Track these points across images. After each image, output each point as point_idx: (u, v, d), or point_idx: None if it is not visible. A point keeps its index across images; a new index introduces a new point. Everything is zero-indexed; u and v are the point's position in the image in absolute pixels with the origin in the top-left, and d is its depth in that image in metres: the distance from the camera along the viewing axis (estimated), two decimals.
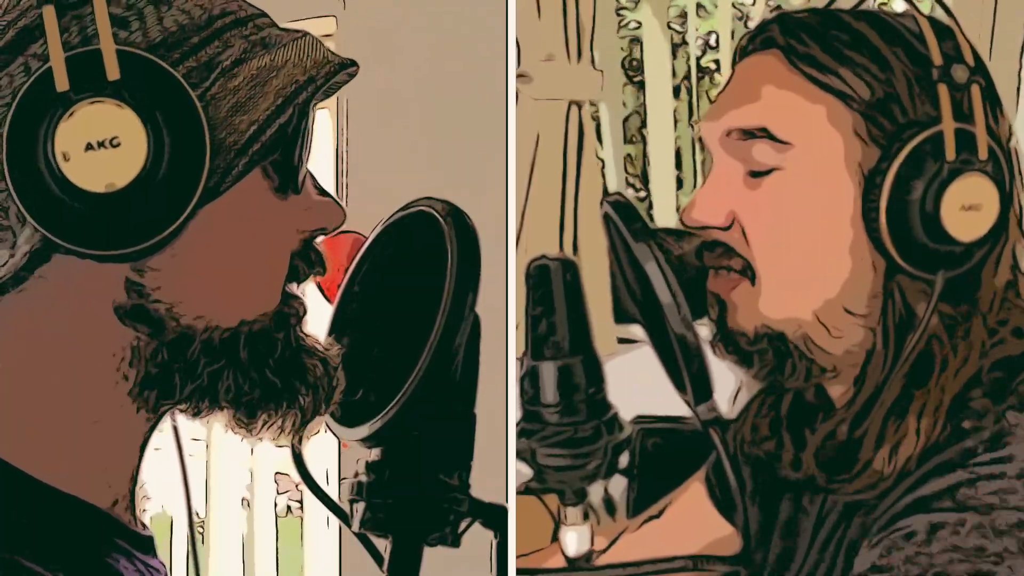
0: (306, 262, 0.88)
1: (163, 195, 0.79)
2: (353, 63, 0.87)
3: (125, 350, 0.83)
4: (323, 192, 0.90)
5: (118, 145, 0.77)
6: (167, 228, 0.80)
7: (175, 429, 0.93)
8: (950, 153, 1.01)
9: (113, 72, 0.78)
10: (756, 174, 1.07)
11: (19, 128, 0.78)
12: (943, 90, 1.02)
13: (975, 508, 0.97)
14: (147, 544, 0.89)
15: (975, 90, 1.03)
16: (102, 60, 0.78)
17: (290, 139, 0.86)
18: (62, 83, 0.77)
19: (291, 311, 0.87)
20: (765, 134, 1.06)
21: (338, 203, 0.90)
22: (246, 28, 0.85)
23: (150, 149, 0.78)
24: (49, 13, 0.78)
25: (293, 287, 0.88)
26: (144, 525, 0.90)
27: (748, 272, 1.07)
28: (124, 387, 0.84)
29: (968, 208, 1.02)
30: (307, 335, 0.88)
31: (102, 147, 0.77)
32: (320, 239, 0.90)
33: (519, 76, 2.78)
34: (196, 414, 0.86)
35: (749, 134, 1.07)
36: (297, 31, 0.87)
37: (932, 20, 1.06)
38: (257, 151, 0.82)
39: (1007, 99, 1.11)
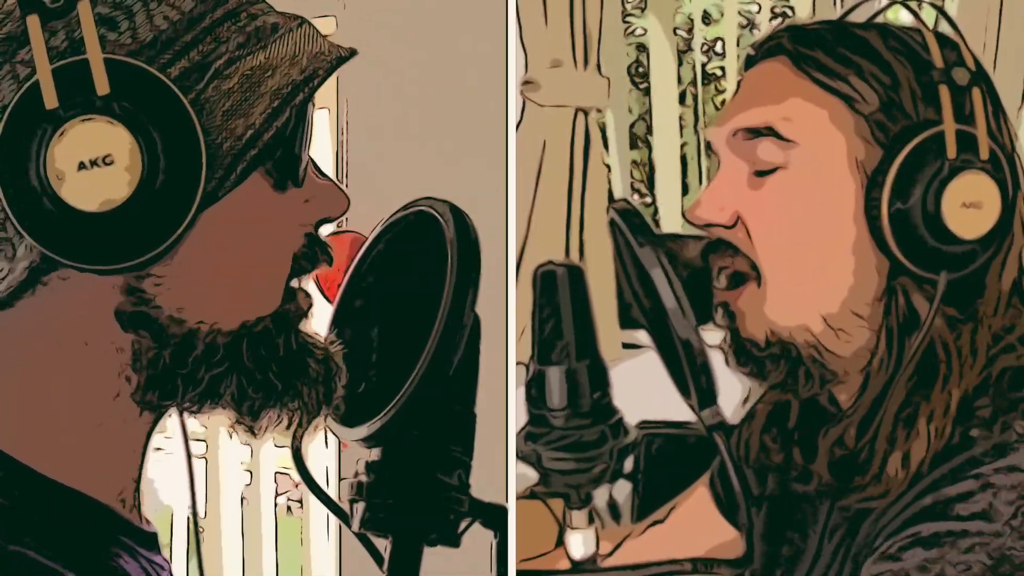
0: (311, 255, 0.87)
1: (160, 207, 0.77)
2: (353, 52, 0.86)
3: (127, 354, 0.83)
4: (326, 179, 0.89)
5: (111, 163, 0.76)
6: (166, 240, 0.78)
7: (183, 430, 0.93)
8: (951, 151, 1.02)
9: (103, 87, 0.76)
10: (761, 174, 1.08)
11: (10, 146, 0.76)
12: (944, 91, 1.03)
13: (983, 516, 0.97)
14: (151, 540, 0.89)
15: (976, 93, 1.04)
16: (91, 71, 0.76)
17: (289, 136, 0.84)
18: (51, 100, 0.75)
19: (294, 309, 0.86)
20: (770, 132, 1.07)
21: (341, 189, 0.89)
22: (239, 19, 0.83)
23: (144, 164, 0.76)
24: (34, 25, 0.76)
25: (297, 282, 0.87)
26: (148, 521, 0.90)
27: (753, 272, 1.08)
28: (127, 390, 0.83)
29: (969, 206, 1.02)
30: (308, 333, 0.87)
31: (95, 166, 0.76)
32: (325, 230, 0.89)
33: (526, 83, 2.79)
34: (198, 411, 0.85)
35: (755, 132, 1.08)
36: (294, 18, 0.85)
37: (936, 32, 1.08)
38: (255, 154, 0.81)
39: (1010, 107, 1.12)
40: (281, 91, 0.82)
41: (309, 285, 0.89)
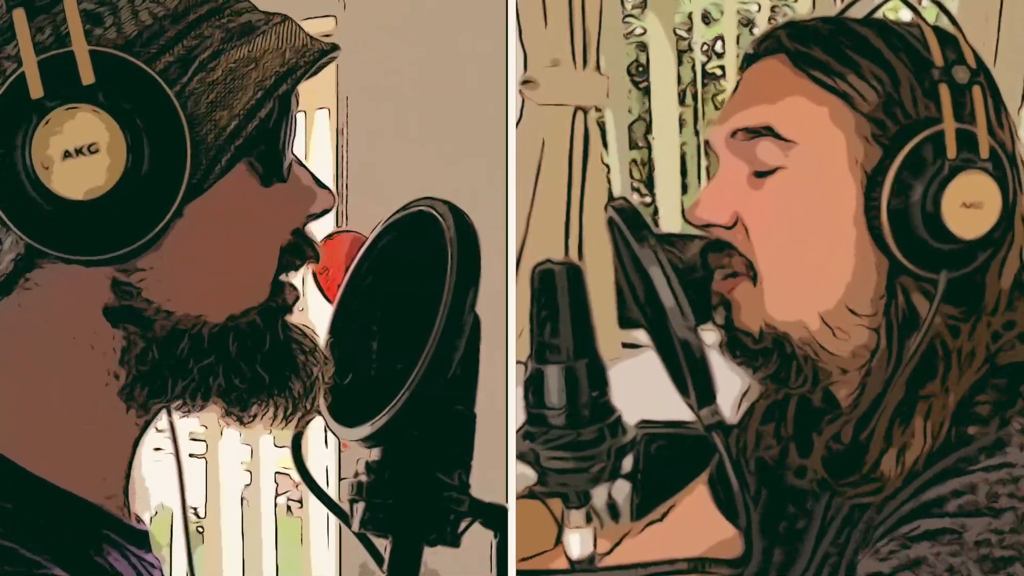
0: (298, 252, 0.88)
1: (146, 197, 0.78)
2: (335, 47, 0.86)
3: (114, 349, 0.83)
4: (312, 177, 0.89)
5: (96, 151, 0.76)
6: (152, 230, 0.79)
7: (172, 429, 0.93)
8: (951, 151, 1.02)
9: (88, 77, 0.77)
10: (760, 174, 1.07)
11: None
12: (944, 89, 1.03)
13: (981, 512, 0.97)
14: (141, 538, 0.89)
15: (976, 91, 1.03)
16: (76, 63, 0.77)
17: (273, 129, 0.85)
18: (36, 90, 0.76)
19: (280, 302, 0.87)
20: (769, 132, 1.07)
21: (327, 187, 0.89)
22: (223, 16, 0.83)
23: (129, 153, 0.77)
24: (20, 18, 0.77)
25: (286, 276, 0.88)
26: (139, 519, 0.90)
27: (751, 272, 1.08)
28: (114, 386, 0.84)
29: (969, 206, 1.02)
30: (294, 325, 0.87)
31: (80, 154, 0.76)
32: (320, 230, 0.89)
33: (525, 82, 2.78)
34: (188, 411, 0.86)
35: (754, 132, 1.08)
36: (276, 15, 0.86)
37: (936, 28, 1.07)
38: (239, 145, 0.82)
39: (1011, 105, 1.12)
40: (264, 82, 0.82)
41: (297, 280, 0.89)
